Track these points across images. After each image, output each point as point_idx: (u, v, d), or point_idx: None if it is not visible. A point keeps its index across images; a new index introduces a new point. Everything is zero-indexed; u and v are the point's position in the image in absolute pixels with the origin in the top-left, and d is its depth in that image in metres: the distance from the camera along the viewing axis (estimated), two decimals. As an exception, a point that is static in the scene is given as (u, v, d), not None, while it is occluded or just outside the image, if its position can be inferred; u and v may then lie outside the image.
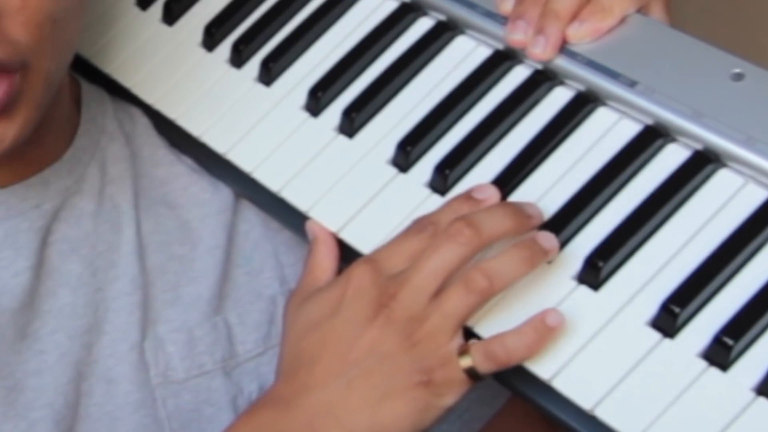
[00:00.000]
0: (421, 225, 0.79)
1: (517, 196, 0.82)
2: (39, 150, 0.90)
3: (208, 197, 0.95)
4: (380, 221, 0.84)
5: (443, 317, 0.76)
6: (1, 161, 0.87)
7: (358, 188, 0.86)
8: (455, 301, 0.76)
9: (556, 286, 0.78)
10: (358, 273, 0.78)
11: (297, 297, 0.82)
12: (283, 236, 0.95)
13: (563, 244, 0.79)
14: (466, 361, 0.76)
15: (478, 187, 0.81)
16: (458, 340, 0.77)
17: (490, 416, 0.99)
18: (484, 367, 0.76)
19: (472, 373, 0.77)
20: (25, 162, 0.90)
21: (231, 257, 0.94)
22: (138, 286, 0.91)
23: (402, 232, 0.80)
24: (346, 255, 0.84)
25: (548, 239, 0.78)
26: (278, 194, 0.88)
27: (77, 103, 0.95)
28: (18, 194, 0.89)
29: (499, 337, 0.76)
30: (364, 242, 0.84)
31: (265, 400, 0.80)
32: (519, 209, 0.78)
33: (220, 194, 0.95)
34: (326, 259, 0.84)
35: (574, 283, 0.78)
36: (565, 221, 0.80)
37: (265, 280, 0.95)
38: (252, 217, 0.95)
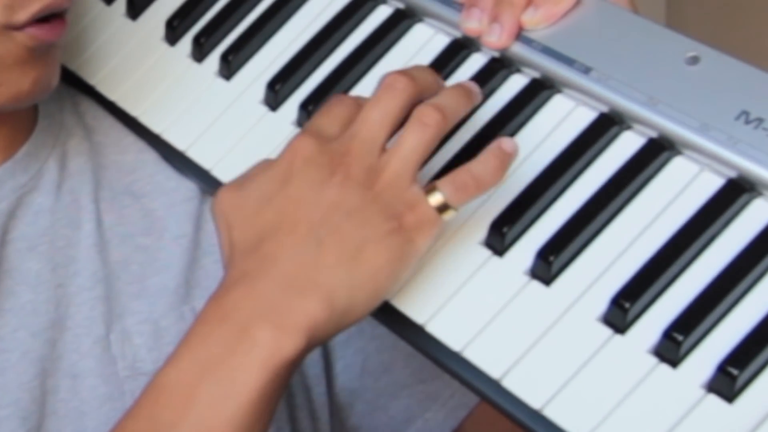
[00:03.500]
0: (338, 96, 0.79)
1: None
2: None
3: (174, 185, 0.94)
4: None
5: (403, 159, 0.75)
6: None
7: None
8: (412, 140, 0.75)
9: (508, 281, 0.77)
10: (302, 143, 0.76)
11: (228, 188, 0.78)
12: None
13: (516, 238, 0.78)
14: (436, 198, 0.75)
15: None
16: (419, 183, 0.76)
17: (475, 403, 0.98)
18: (455, 198, 0.75)
19: (443, 209, 0.75)
20: None
21: (201, 245, 0.94)
22: (99, 281, 0.90)
23: (323, 106, 0.79)
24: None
25: (472, 84, 0.80)
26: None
27: None
28: None
29: (464, 168, 0.75)
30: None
31: (227, 282, 0.75)
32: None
33: (186, 182, 0.94)
34: None
35: (526, 278, 0.77)
36: (518, 213, 0.78)
37: None
38: None
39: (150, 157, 0.95)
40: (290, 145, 0.76)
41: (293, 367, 0.73)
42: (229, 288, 0.74)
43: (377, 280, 0.74)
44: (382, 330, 0.94)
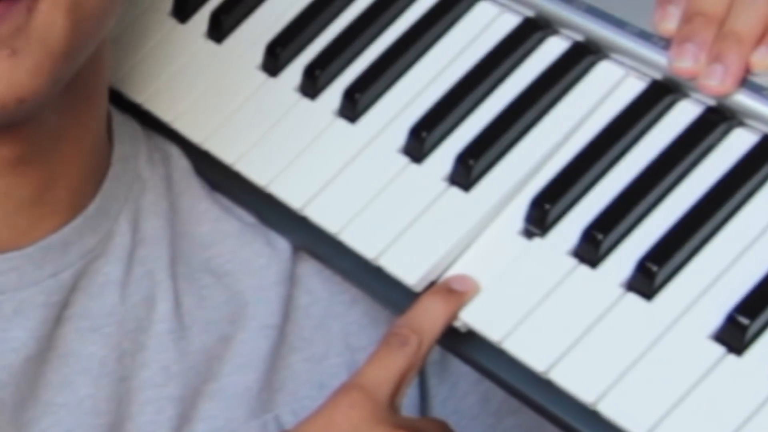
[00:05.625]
0: (402, 337, 0.71)
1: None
2: (61, 193, 0.76)
3: (265, 263, 0.80)
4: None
5: None
6: (19, 208, 0.74)
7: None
8: None
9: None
10: (347, 404, 0.69)
11: None
12: (356, 312, 0.81)
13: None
14: None
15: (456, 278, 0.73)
16: None
17: None
18: None
19: None
20: (45, 212, 0.76)
21: (287, 339, 0.80)
22: (172, 376, 0.78)
23: (383, 344, 0.71)
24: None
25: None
26: (373, 260, 0.73)
27: (110, 138, 0.80)
28: (34, 260, 0.75)
29: None
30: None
31: None
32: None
33: (279, 259, 0.80)
34: None
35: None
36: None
37: (329, 368, 0.81)
38: (315, 287, 0.80)
39: (229, 228, 0.81)
40: (338, 397, 0.70)
41: None
42: None
43: None
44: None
